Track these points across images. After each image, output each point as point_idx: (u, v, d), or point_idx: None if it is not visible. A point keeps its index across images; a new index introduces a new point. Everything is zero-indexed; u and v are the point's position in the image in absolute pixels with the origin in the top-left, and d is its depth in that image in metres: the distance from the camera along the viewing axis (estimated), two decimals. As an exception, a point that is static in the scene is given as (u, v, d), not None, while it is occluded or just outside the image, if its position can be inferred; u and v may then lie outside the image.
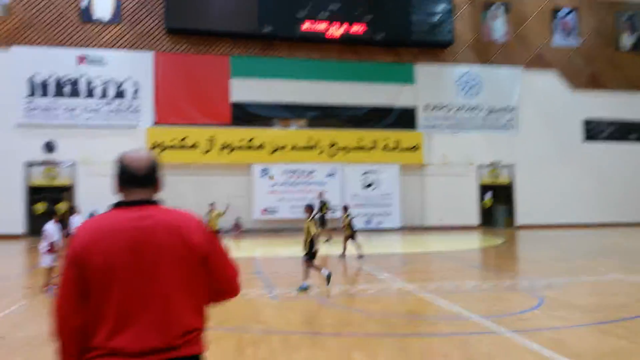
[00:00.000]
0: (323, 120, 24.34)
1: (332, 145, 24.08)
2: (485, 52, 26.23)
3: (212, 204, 17.19)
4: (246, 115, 23.71)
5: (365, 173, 24.15)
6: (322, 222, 17.71)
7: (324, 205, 18.41)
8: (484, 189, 25.55)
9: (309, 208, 9.38)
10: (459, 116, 25.56)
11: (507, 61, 26.23)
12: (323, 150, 23.98)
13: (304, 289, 8.94)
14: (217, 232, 15.54)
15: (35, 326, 6.84)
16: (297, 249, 9.33)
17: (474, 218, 25.22)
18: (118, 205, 2.02)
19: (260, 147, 23.49)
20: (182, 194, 22.49)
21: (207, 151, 22.99)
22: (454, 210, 24.58)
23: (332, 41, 24.17)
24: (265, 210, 23.15)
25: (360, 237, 14.27)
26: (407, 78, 25.05)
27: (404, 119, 24.99)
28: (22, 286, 10.35)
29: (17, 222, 21.16)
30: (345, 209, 14.33)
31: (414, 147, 24.73)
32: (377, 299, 8.56)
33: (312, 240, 9.13)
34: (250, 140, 23.42)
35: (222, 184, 22.73)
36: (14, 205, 21.16)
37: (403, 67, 25.12)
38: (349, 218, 13.81)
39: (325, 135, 24.05)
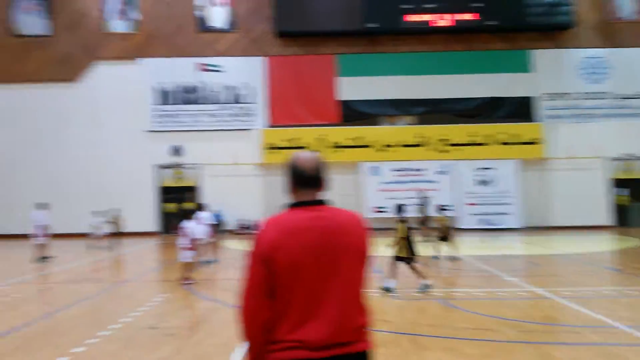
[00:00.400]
0: (432, 115, 23.66)
1: (443, 141, 23.35)
2: (612, 33, 23.79)
3: None
4: (353, 113, 23.82)
5: (479, 169, 23.09)
6: (423, 221, 17.50)
7: (424, 204, 18.06)
8: (617, 184, 23.19)
9: (399, 208, 9.06)
10: (584, 105, 23.47)
11: (638, 42, 23.57)
12: (433, 146, 23.33)
13: (424, 289, 8.72)
14: None
15: (178, 318, 7.39)
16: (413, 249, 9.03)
17: (606, 217, 22.94)
18: (295, 205, 2.13)
19: (368, 145, 23.46)
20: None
21: (317, 151, 23.40)
22: (582, 208, 22.45)
23: (439, 32, 23.43)
24: (375, 208, 23.06)
25: (458, 239, 13.47)
26: (523, 66, 23.50)
27: (521, 110, 23.47)
28: (161, 280, 11.27)
29: (150, 221, 23.20)
30: (443, 208, 13.77)
31: (534, 140, 23.12)
32: (508, 304, 8.10)
33: (410, 242, 8.81)
34: (358, 138, 23.49)
35: (332, 183, 23.01)
36: (147, 205, 23.23)
37: (518, 54, 23.62)
38: (447, 218, 13.21)
39: (434, 131, 23.38)
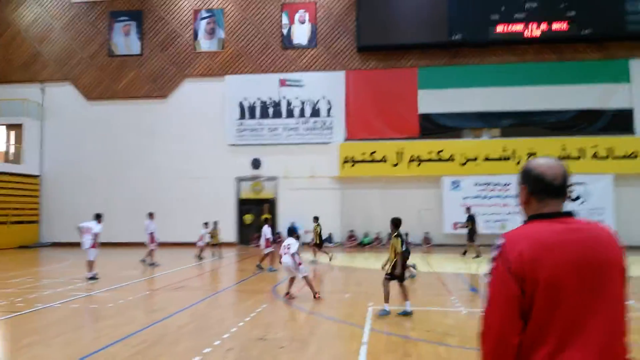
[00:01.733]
0: (519, 128, 22.70)
1: (531, 155, 22.28)
2: None
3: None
4: (435, 126, 23.32)
5: (570, 185, 21.76)
6: (471, 237, 17.66)
7: (471, 220, 17.68)
8: None
9: (394, 223, 8.45)
10: (692, 116, 21.63)
11: None
12: (520, 160, 22.32)
13: (383, 314, 8.13)
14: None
15: (284, 329, 7.34)
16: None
17: None
18: (540, 217, 1.90)
19: (450, 158, 22.83)
20: (371, 207, 23.01)
21: (396, 164, 23.12)
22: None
23: (529, 43, 22.54)
24: (456, 224, 22.33)
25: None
26: (621, 76, 22.06)
27: (618, 123, 21.99)
28: (254, 290, 11.35)
29: (231, 232, 23.77)
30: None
31: (632, 154, 21.57)
32: None
33: (397, 260, 8.26)
34: (440, 152, 22.93)
35: (411, 197, 22.66)
36: (228, 216, 23.84)
37: (615, 64, 22.21)
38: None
39: (522, 144, 22.39)
